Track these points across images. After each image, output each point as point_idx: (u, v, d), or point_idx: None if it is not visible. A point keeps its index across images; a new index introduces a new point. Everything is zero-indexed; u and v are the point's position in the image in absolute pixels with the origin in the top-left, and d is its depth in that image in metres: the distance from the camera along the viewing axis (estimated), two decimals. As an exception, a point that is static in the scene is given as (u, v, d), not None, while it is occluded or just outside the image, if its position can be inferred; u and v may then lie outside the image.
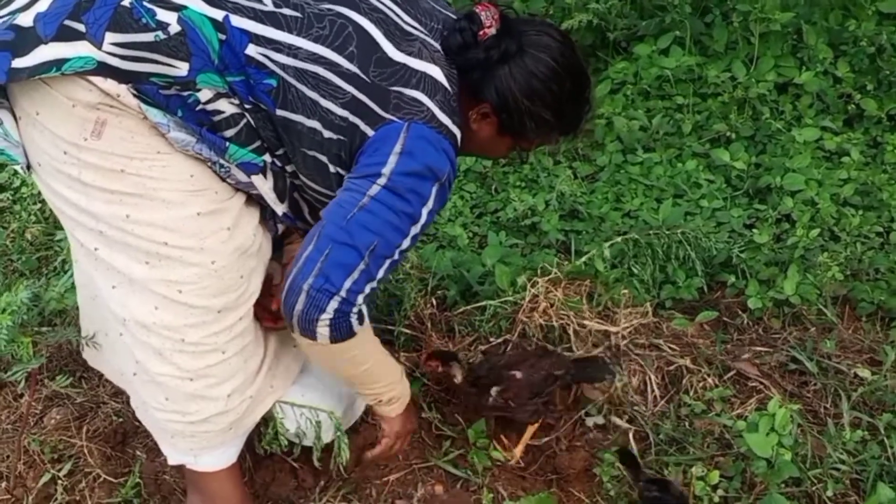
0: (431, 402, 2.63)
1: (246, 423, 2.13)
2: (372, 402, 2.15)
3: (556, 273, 2.81)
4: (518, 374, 2.43)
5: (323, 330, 1.81)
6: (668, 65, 3.85)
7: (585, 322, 2.70)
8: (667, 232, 3.04)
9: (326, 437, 2.28)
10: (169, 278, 1.87)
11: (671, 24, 3.84)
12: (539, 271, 2.86)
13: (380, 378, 2.07)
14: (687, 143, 3.67)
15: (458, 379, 2.47)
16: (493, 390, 2.42)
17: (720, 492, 2.34)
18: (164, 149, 1.81)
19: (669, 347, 2.75)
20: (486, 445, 2.48)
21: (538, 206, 3.43)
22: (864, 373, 2.66)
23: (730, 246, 3.13)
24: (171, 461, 2.18)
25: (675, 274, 3.04)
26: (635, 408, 2.58)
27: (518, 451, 2.49)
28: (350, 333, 1.84)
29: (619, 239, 3.19)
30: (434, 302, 2.84)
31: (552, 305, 2.72)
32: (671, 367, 2.70)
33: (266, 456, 2.39)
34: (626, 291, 2.84)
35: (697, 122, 3.74)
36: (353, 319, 1.83)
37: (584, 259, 2.93)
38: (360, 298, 1.82)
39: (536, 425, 2.50)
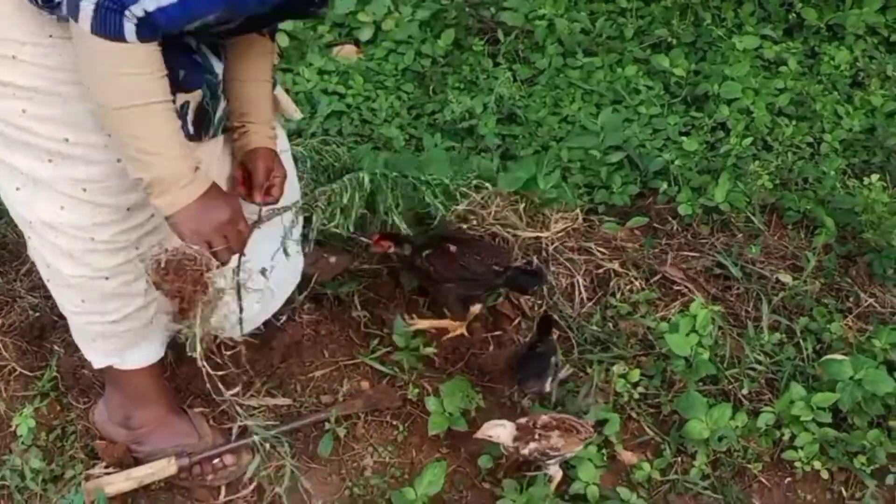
0: (363, 302, 2.61)
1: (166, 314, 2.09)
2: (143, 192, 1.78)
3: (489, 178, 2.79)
4: (452, 248, 2.44)
5: (87, 6, 1.52)
6: (613, -33, 3.76)
7: (516, 231, 2.69)
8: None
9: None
10: (73, 177, 1.78)
11: (617, -76, 3.74)
12: (472, 176, 2.82)
13: (147, 143, 1.66)
14: (628, 48, 3.62)
15: (408, 253, 2.49)
16: (424, 252, 2.45)
17: (640, 389, 2.40)
18: (58, 32, 1.69)
19: (599, 251, 2.77)
20: (416, 347, 2.48)
21: (476, 108, 3.37)
22: (786, 278, 2.72)
23: (664, 153, 3.14)
24: (97, 365, 2.14)
25: (610, 180, 3.05)
26: (562, 310, 2.61)
27: (423, 323, 2.50)
28: (118, 33, 1.53)
29: (555, 144, 3.19)
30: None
31: (484, 214, 2.70)
32: (600, 271, 2.73)
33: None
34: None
35: (640, 27, 3.69)
36: (126, 22, 1.52)
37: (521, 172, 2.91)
38: (136, 8, 1.52)
39: (455, 324, 2.50)
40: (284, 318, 2.52)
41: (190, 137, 1.80)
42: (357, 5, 3.78)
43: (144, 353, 2.14)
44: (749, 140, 3.12)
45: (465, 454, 2.30)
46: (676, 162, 3.05)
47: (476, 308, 2.51)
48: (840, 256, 2.82)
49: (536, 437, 2.08)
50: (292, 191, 2.17)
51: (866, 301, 2.66)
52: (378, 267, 2.71)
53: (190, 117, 1.82)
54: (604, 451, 2.27)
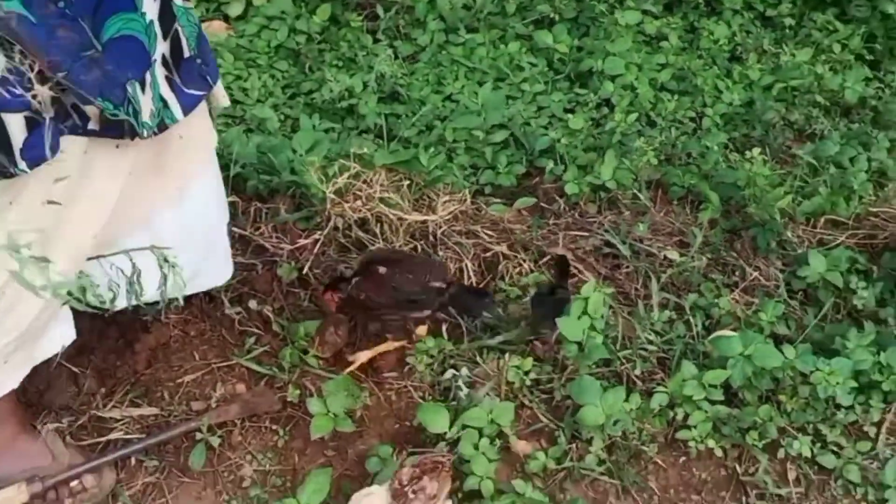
0: (234, 299, 2.42)
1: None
2: None
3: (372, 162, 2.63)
4: (381, 270, 2.25)
5: None
6: (493, -60, 3.65)
7: (402, 215, 2.55)
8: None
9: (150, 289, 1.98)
10: None
11: None
12: (353, 158, 2.66)
13: None
14: (510, 24, 3.53)
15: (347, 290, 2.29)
16: (354, 279, 2.26)
17: (532, 375, 2.32)
18: None
19: (486, 234, 2.67)
20: (306, 346, 2.31)
21: (356, 87, 3.21)
22: (673, 255, 2.69)
23: (550, 131, 3.06)
24: None
25: (495, 159, 2.95)
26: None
27: (363, 355, 2.30)
28: None
29: (438, 124, 3.06)
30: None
31: (367, 198, 2.55)
32: (488, 254, 2.62)
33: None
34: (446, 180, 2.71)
35: (521, 2, 3.60)
36: None
37: (404, 150, 2.78)
38: None
39: (396, 344, 2.33)
40: (149, 318, 2.31)
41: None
42: (225, -22, 3.54)
43: None
44: (634, 116, 3.08)
45: (353, 456, 2.16)
46: (562, 140, 2.98)
47: (422, 329, 2.34)
48: (725, 231, 2.81)
49: (412, 494, 1.94)
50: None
51: (751, 275, 2.66)
52: (252, 261, 2.52)
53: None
54: (497, 442, 2.17)
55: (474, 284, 2.48)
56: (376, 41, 3.47)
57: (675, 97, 3.28)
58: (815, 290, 2.60)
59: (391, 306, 2.26)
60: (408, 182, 2.68)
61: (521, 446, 2.23)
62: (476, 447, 2.11)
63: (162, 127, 1.70)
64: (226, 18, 3.53)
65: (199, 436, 2.11)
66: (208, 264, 2.11)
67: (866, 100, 3.35)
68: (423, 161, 2.71)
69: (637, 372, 2.36)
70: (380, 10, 3.53)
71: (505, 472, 2.17)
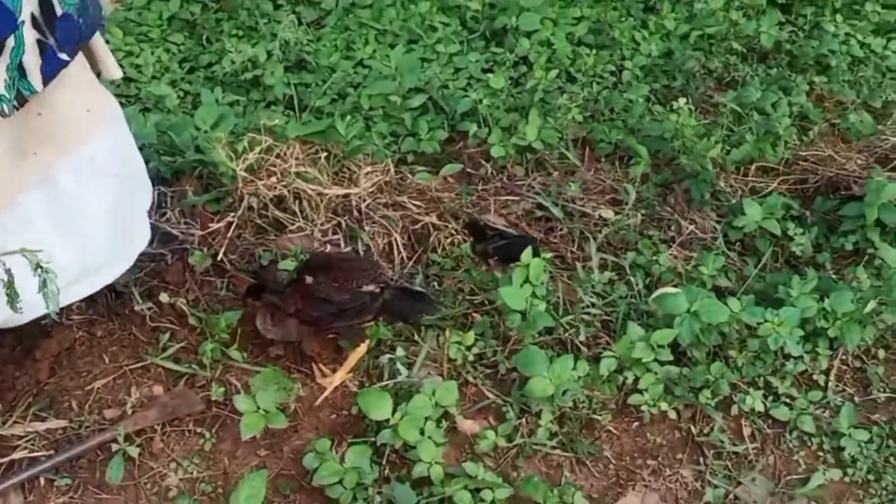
0: (144, 293, 2.20)
1: None
2: None
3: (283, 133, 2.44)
4: (308, 279, 2.05)
5: None
6: None
7: (322, 190, 2.37)
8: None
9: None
10: None
11: None
12: (263, 132, 2.46)
13: None
14: (419, -18, 3.35)
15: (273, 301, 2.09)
16: (285, 290, 2.07)
17: (475, 350, 2.19)
18: None
19: (414, 205, 2.51)
20: (228, 341, 2.12)
21: (259, 57, 2.98)
22: (608, 213, 2.60)
23: (469, 93, 2.91)
24: None
25: (416, 126, 2.79)
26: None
27: (339, 375, 2.11)
28: None
29: (352, 91, 2.88)
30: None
31: (282, 174, 2.35)
32: (417, 226, 2.47)
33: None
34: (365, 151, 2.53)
35: (429, -41, 3.42)
36: None
37: (317, 120, 2.58)
38: None
39: (362, 350, 2.13)
40: (49, 321, 2.08)
41: None
42: (105, -54, 3.24)
43: None
44: (553, 73, 2.94)
45: (289, 453, 1.99)
46: (484, 101, 2.83)
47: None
48: (657, 185, 2.73)
49: None
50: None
51: (687, 228, 2.59)
52: (160, 251, 2.30)
53: None
54: (443, 424, 2.04)
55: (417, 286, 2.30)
56: (277, 7, 3.25)
57: (594, 51, 3.18)
58: (752, 240, 2.55)
59: (321, 319, 2.07)
60: (325, 154, 2.49)
61: (468, 426, 2.11)
62: (422, 432, 1.97)
63: (21, 100, 1.48)
64: (110, -11, 3.24)
65: (115, 447, 1.91)
66: (109, 256, 1.90)
67: (781, 44, 3.31)
68: (341, 131, 2.53)
69: (581, 338, 2.26)
70: (278, -26, 3.30)
71: (454, 455, 2.05)
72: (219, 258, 2.28)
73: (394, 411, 1.98)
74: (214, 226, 2.31)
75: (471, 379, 2.18)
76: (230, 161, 2.30)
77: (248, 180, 2.33)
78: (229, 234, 2.31)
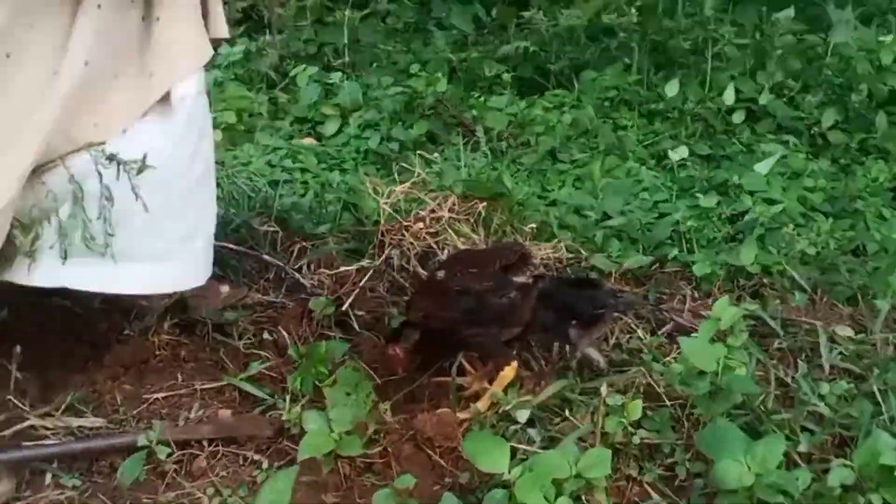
0: (245, 331, 1.86)
1: None
2: None
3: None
4: (440, 274, 1.65)
5: None
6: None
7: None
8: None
9: None
10: None
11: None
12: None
13: None
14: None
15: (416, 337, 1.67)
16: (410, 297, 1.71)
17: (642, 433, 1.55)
18: None
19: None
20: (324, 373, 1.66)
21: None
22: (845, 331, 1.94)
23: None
24: None
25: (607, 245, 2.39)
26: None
27: (482, 404, 1.60)
28: None
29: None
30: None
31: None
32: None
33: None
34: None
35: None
36: None
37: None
38: None
39: (512, 368, 1.61)
40: (133, 332, 1.79)
41: None
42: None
43: None
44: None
45: (358, 494, 1.42)
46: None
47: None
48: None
49: None
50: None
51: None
52: (284, 301, 1.99)
53: None
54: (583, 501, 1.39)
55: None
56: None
57: (829, 219, 2.67)
58: None
59: (464, 321, 1.59)
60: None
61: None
62: (547, 500, 1.35)
63: None
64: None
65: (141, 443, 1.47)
66: (177, 249, 1.60)
67: None
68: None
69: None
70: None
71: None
72: (343, 307, 1.92)
73: (511, 466, 1.39)
74: (343, 269, 1.98)
75: (634, 473, 1.53)
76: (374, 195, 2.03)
77: (390, 229, 2.02)
78: (361, 284, 1.96)
